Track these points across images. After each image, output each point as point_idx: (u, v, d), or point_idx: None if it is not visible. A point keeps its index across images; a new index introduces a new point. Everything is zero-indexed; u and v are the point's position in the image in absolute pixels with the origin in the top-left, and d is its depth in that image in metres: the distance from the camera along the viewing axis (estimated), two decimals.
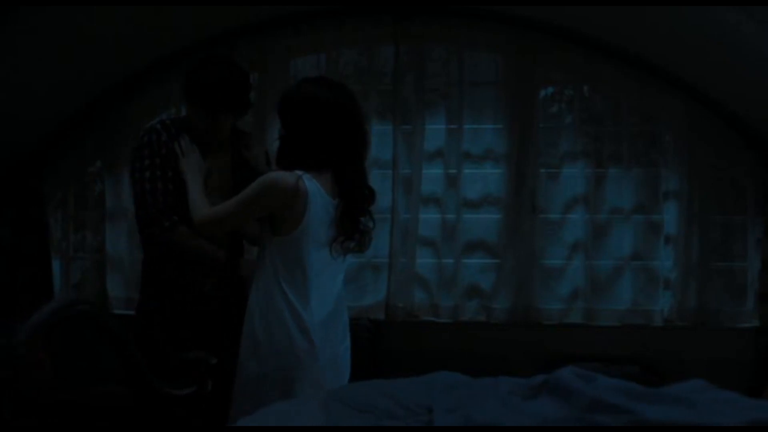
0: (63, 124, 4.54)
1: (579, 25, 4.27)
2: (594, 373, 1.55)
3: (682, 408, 1.37)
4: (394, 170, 4.45)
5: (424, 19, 4.39)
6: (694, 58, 4.05)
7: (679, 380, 2.08)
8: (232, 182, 3.22)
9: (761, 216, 4.27)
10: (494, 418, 1.48)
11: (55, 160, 4.62)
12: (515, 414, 1.47)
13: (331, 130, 2.71)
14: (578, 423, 1.35)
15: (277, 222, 2.68)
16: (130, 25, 3.92)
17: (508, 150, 4.42)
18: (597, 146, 4.45)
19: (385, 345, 4.38)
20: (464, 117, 4.46)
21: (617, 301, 4.39)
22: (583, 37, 4.32)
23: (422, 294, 4.48)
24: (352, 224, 2.79)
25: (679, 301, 4.30)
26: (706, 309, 4.31)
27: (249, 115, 4.54)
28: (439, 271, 4.46)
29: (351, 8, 4.37)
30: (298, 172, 2.66)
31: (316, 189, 2.69)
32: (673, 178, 4.35)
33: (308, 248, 2.69)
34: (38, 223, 4.51)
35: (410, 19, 4.39)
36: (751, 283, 4.33)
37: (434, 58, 4.49)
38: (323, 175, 2.74)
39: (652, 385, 1.75)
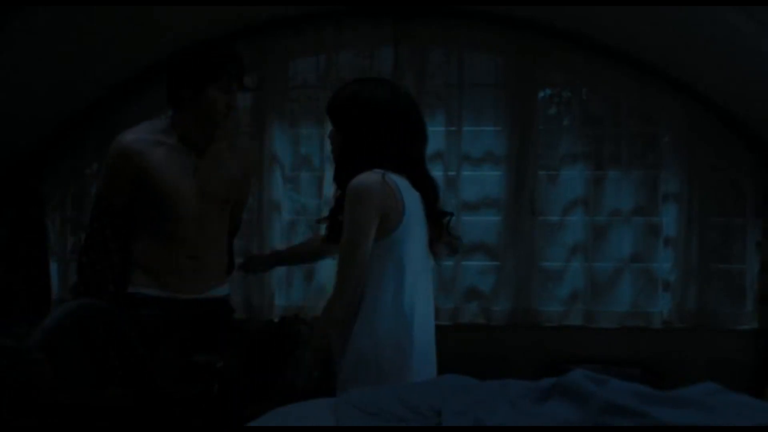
0: (63, 124, 4.52)
1: (578, 26, 4.27)
2: (605, 376, 1.55)
3: (697, 411, 1.36)
4: None
5: (423, 21, 4.38)
6: (694, 59, 4.05)
7: (679, 382, 2.08)
8: (226, 182, 3.21)
9: (761, 218, 4.28)
10: (505, 420, 1.48)
11: (54, 161, 4.60)
12: (526, 417, 1.47)
13: (399, 129, 2.60)
14: (593, 425, 1.35)
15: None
16: (130, 26, 3.90)
17: (507, 152, 4.41)
18: (596, 148, 4.45)
19: None
20: (463, 119, 4.46)
21: (617, 303, 4.39)
22: (582, 38, 4.32)
23: None
24: (437, 223, 2.71)
25: (679, 303, 4.30)
26: (706, 311, 4.31)
27: (248, 116, 4.57)
28: (439, 273, 4.44)
29: (350, 9, 4.37)
30: (376, 170, 2.52)
31: (403, 183, 2.57)
32: (673, 180, 4.35)
33: (409, 248, 2.56)
34: (37, 224, 4.49)
35: (410, 20, 4.38)
36: (750, 285, 4.33)
37: (433, 59, 4.48)
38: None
39: (653, 386, 1.75)
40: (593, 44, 4.32)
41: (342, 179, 2.56)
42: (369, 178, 2.46)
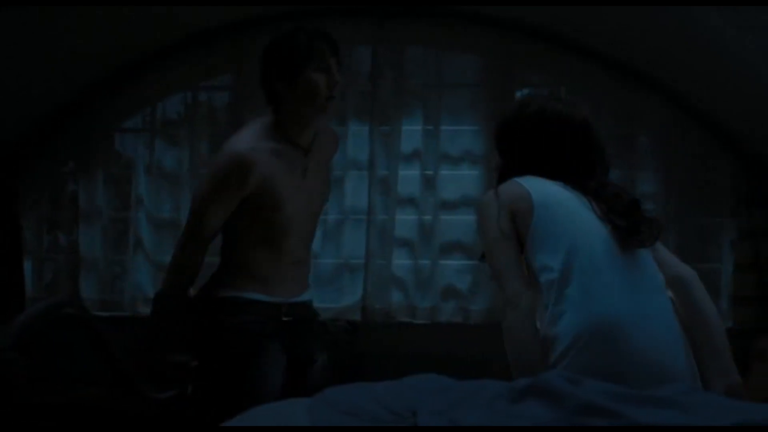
0: (39, 123, 4.49)
1: (557, 26, 4.28)
2: (581, 376, 1.55)
3: (673, 410, 1.37)
4: (370, 171, 4.44)
5: (402, 20, 4.38)
6: (672, 60, 4.07)
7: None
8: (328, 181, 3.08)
9: (736, 218, 4.30)
10: (481, 420, 1.48)
11: (30, 159, 4.56)
12: (502, 417, 1.47)
13: (553, 143, 2.39)
14: (568, 425, 1.35)
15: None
16: (107, 25, 3.88)
17: (485, 151, 4.41)
18: None
19: (362, 346, 4.36)
20: (442, 118, 4.46)
21: None
22: (560, 38, 4.33)
23: (399, 295, 4.46)
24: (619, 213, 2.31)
25: None
26: None
27: (228, 115, 4.56)
28: (416, 272, 4.45)
29: (329, 8, 4.36)
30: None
31: (539, 181, 2.33)
32: (650, 180, 4.37)
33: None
34: (13, 223, 4.45)
35: (389, 19, 4.38)
36: (725, 285, 4.35)
37: (412, 58, 4.48)
38: None
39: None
40: (571, 44, 4.33)
41: None
42: (488, 193, 2.41)
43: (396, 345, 4.38)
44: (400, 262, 4.45)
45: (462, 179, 4.49)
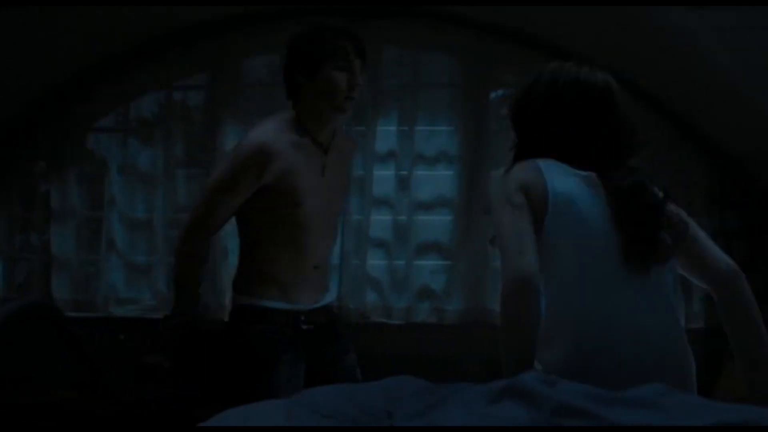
0: (12, 122, 4.45)
1: (531, 27, 4.30)
2: (557, 378, 1.56)
3: (649, 411, 1.38)
4: None
5: (377, 20, 4.38)
6: (645, 61, 4.10)
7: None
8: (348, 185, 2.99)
9: (709, 218, 4.33)
10: (458, 421, 1.48)
11: (3, 158, 4.52)
12: (479, 418, 1.47)
13: (581, 116, 2.08)
14: (545, 425, 1.36)
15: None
16: (81, 24, 3.85)
17: (460, 152, 4.43)
18: None
19: None
20: (417, 118, 4.47)
21: None
22: (535, 39, 4.35)
23: (374, 295, 4.47)
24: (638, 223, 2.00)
25: None
26: None
27: (203, 115, 4.54)
28: (391, 272, 4.45)
29: (305, 8, 4.35)
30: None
31: (558, 168, 2.02)
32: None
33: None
34: None
35: (364, 19, 4.38)
36: (697, 285, 4.37)
37: (388, 59, 4.48)
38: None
39: None
40: (545, 45, 4.34)
41: None
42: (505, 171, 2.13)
43: (371, 345, 4.36)
44: (376, 262, 4.46)
45: (437, 180, 4.50)
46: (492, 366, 4.28)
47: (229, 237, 4.39)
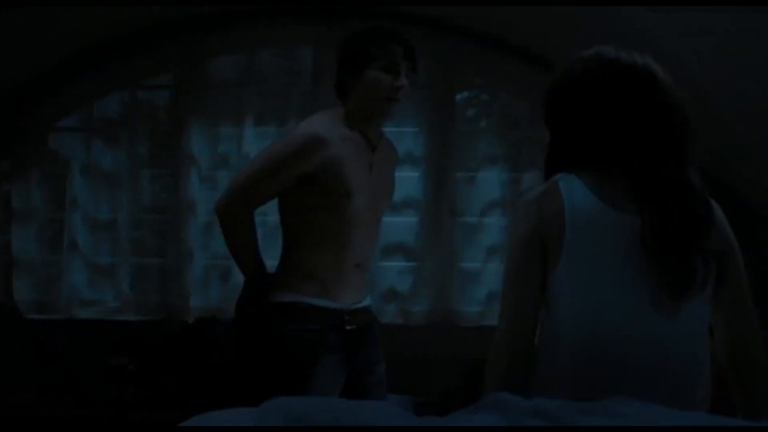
0: None
1: (497, 30, 4.32)
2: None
3: (614, 419, 1.38)
4: None
5: (344, 21, 4.38)
6: None
7: None
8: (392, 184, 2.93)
9: None
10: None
11: None
12: (455, 422, 1.47)
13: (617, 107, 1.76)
14: (515, 425, 1.36)
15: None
16: (44, 22, 3.81)
17: (426, 153, 4.44)
18: (514, 150, 4.51)
19: None
20: None
21: None
22: (501, 42, 4.37)
23: None
24: (671, 254, 1.68)
25: None
26: None
27: (168, 114, 4.50)
28: None
29: (271, 9, 4.34)
30: (558, 176, 1.78)
31: (582, 194, 1.72)
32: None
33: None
34: None
35: (331, 20, 4.38)
36: None
37: None
38: (609, 178, 1.75)
39: None
40: (511, 48, 4.37)
41: None
42: (526, 195, 1.87)
43: None
44: None
45: (403, 181, 4.46)
46: (459, 366, 4.31)
47: (193, 236, 4.37)
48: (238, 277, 4.33)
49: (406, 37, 2.76)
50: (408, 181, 4.48)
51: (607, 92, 1.77)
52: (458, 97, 4.55)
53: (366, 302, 2.81)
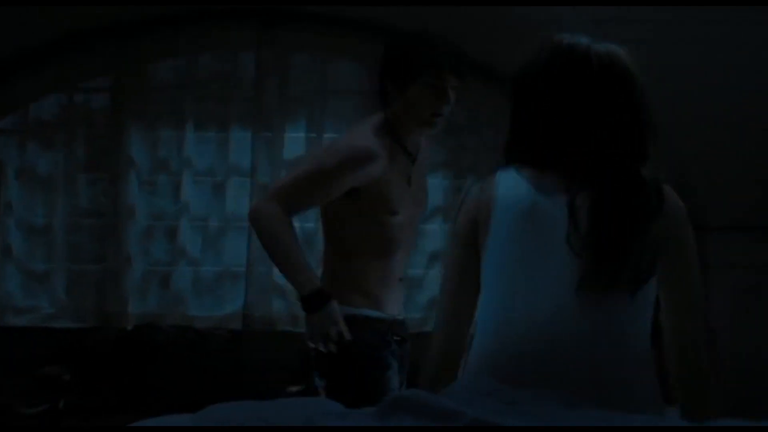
0: None
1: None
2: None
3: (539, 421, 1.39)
4: (252, 178, 4.41)
5: (287, 26, 4.37)
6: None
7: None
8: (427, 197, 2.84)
9: None
10: None
11: None
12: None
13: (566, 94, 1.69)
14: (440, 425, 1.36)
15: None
16: None
17: None
18: (456, 157, 4.54)
19: (243, 355, 4.32)
20: (325, 125, 4.47)
21: None
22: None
23: (280, 303, 4.44)
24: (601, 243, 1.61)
25: None
26: None
27: (105, 117, 4.44)
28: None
29: (213, 12, 4.31)
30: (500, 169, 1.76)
31: (515, 183, 1.70)
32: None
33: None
34: None
35: (273, 25, 4.36)
36: None
37: (296, 65, 4.47)
38: (552, 170, 1.69)
39: None
40: None
41: None
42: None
43: (277, 353, 4.35)
44: None
45: None
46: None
47: (132, 242, 4.32)
48: (178, 283, 4.33)
49: (454, 45, 2.62)
50: None
51: (568, 79, 1.69)
52: None
53: (404, 315, 2.77)
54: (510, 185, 1.69)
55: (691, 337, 1.72)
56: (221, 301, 4.43)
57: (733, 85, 3.83)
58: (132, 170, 4.34)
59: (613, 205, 1.62)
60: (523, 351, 1.63)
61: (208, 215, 4.45)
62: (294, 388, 3.85)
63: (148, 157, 4.43)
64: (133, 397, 3.95)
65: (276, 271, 4.35)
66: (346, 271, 2.64)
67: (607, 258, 1.60)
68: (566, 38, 1.73)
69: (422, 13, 4.10)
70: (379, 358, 2.58)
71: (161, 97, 4.49)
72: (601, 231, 1.61)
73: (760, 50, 3.74)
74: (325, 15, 4.34)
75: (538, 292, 1.63)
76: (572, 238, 1.61)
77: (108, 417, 3.64)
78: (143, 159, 4.40)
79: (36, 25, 4.06)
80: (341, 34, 4.41)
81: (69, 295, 4.36)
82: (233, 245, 4.43)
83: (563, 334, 1.61)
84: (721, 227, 4.06)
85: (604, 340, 1.62)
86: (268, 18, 4.36)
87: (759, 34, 3.66)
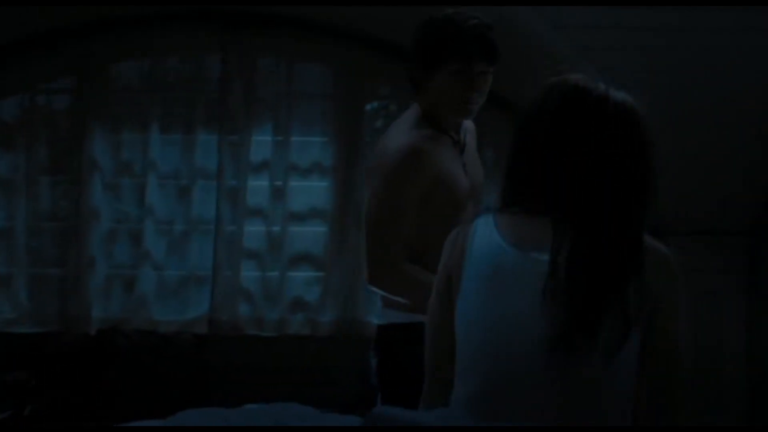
0: None
1: (405, 40, 4.33)
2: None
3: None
4: (218, 181, 4.38)
5: (253, 29, 4.36)
6: (513, 76, 4.19)
7: None
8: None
9: None
10: None
11: None
12: None
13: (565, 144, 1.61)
14: None
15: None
16: None
17: (335, 163, 4.44)
18: None
19: (209, 360, 4.29)
20: (292, 129, 4.45)
21: None
22: (408, 52, 4.39)
23: (247, 307, 4.41)
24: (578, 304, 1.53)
25: None
26: None
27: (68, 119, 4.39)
28: (264, 284, 4.40)
29: (178, 13, 4.28)
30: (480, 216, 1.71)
31: (488, 233, 1.64)
32: (496, 192, 4.47)
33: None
34: None
35: (239, 28, 4.34)
36: None
37: (262, 68, 4.45)
38: (531, 218, 1.64)
39: None
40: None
41: None
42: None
43: (243, 358, 4.33)
44: (248, 273, 4.40)
45: (311, 191, 4.49)
46: (365, 377, 4.28)
47: (95, 245, 4.28)
48: (142, 286, 4.29)
49: (485, 28, 2.45)
50: (316, 191, 4.48)
51: (581, 124, 1.61)
52: (367, 107, 4.55)
53: None
54: (484, 237, 1.62)
55: (667, 381, 1.63)
56: (186, 306, 4.39)
57: (689, 92, 3.88)
58: (95, 173, 4.29)
59: (593, 264, 1.54)
60: (492, 401, 1.57)
61: (173, 218, 4.41)
62: None
63: (111, 159, 4.38)
64: (98, 402, 3.91)
65: (243, 275, 4.36)
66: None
67: (580, 318, 1.51)
68: (581, 80, 1.65)
69: (391, 19, 4.11)
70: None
71: (125, 98, 4.44)
72: (577, 291, 1.52)
73: (717, 55, 3.79)
74: (292, 17, 4.33)
75: (506, 358, 1.56)
76: (548, 296, 1.53)
77: (73, 423, 3.60)
78: (107, 161, 4.36)
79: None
80: (308, 37, 4.41)
81: (31, 299, 4.30)
82: (198, 249, 4.40)
83: (532, 401, 1.54)
84: (680, 232, 4.10)
85: (576, 410, 1.53)
86: (234, 20, 4.34)
87: (715, 39, 3.73)
